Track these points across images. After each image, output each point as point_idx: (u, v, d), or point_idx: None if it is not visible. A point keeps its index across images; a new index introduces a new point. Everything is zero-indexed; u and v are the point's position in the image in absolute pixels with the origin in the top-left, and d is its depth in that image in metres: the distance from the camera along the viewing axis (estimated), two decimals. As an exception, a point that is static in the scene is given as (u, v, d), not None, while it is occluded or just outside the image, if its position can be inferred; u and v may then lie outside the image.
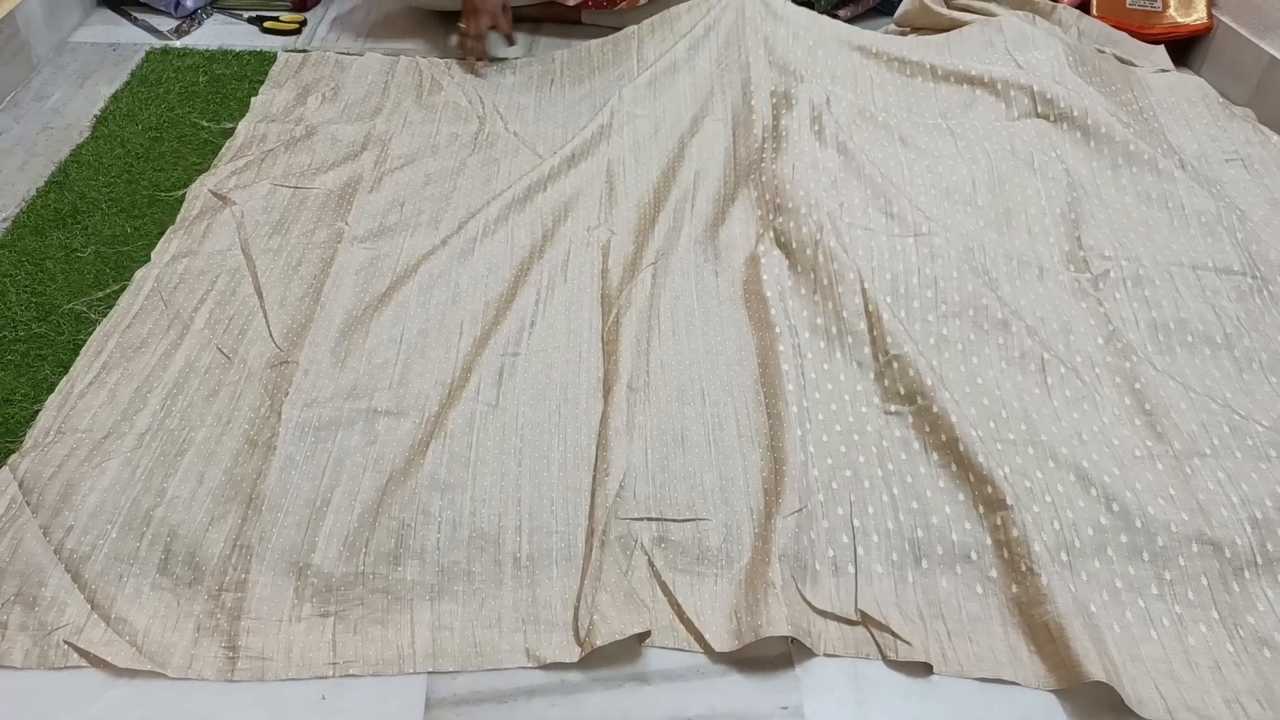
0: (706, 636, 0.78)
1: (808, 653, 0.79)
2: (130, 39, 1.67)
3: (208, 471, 0.87)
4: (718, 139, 1.34)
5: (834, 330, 1.03)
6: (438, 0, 1.76)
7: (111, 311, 1.06)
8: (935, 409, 0.93)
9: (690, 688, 0.76)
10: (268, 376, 0.98)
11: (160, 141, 1.37)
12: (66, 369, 0.99)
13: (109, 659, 0.74)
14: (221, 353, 1.00)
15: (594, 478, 0.88)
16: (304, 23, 1.77)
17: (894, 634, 0.79)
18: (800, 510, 0.85)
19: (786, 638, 0.77)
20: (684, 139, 1.35)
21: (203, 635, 0.77)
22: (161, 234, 1.18)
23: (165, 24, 1.73)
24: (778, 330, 1.02)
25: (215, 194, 1.25)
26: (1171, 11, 1.76)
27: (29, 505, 0.83)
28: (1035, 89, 1.38)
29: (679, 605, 0.80)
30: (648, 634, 0.78)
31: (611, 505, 0.84)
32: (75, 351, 1.01)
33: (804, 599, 0.80)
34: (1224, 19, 1.73)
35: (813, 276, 1.09)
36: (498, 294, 1.10)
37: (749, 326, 1.06)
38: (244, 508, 0.84)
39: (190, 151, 1.35)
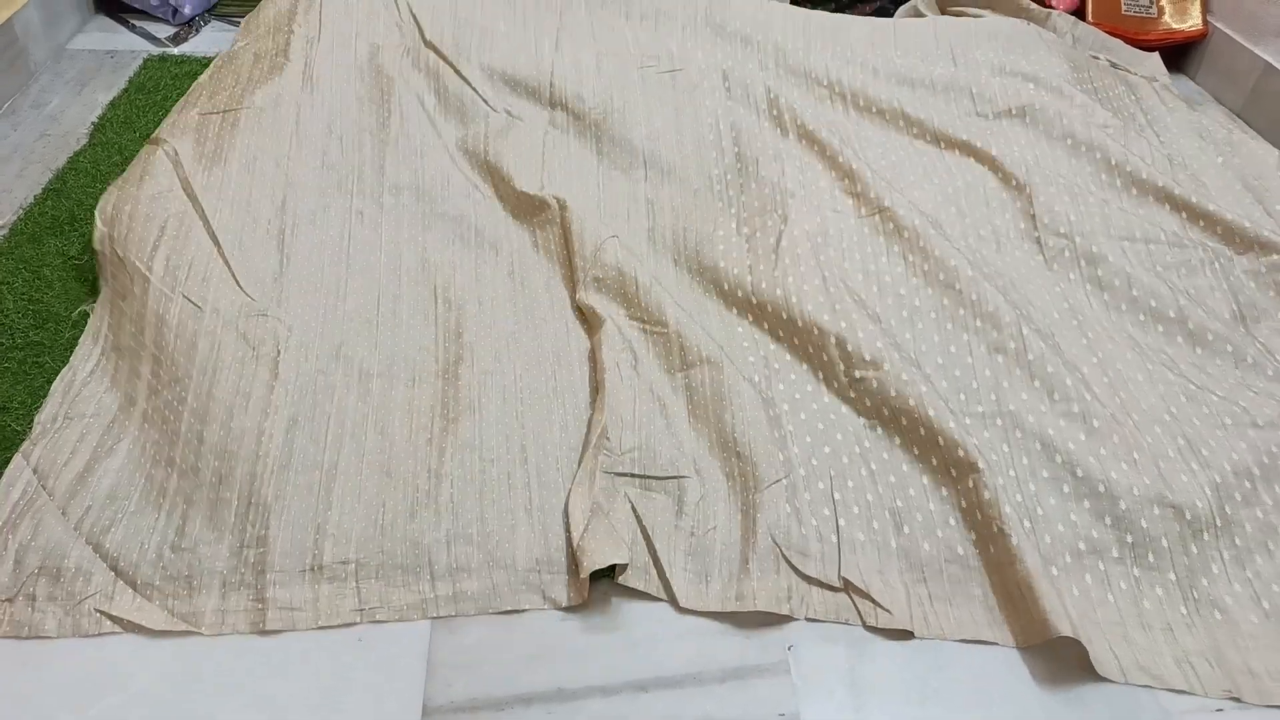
0: (675, 589, 0.81)
1: (805, 658, 0.79)
2: (128, 46, 1.67)
3: (205, 430, 0.89)
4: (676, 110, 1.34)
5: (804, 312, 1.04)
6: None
7: (101, 294, 1.08)
8: (905, 376, 0.96)
9: (687, 695, 0.76)
10: (246, 326, 0.98)
11: (158, 148, 1.37)
12: (45, 395, 0.99)
13: (143, 623, 0.77)
14: (189, 301, 0.99)
15: (588, 433, 0.93)
16: (302, 30, 1.77)
17: (874, 601, 0.82)
18: (780, 481, 0.88)
19: (779, 631, 0.78)
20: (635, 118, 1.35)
21: (229, 590, 0.79)
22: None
23: (163, 31, 1.74)
24: (747, 318, 1.06)
25: (146, 140, 1.24)
26: (1166, 18, 1.77)
27: (45, 489, 0.86)
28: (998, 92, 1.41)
29: (655, 551, 0.83)
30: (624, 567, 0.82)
31: (598, 449, 0.88)
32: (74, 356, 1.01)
33: (790, 565, 0.83)
34: (1219, 25, 1.74)
35: (781, 260, 1.10)
36: (470, 263, 1.12)
37: (714, 306, 1.09)
38: (252, 464, 0.86)
39: (188, 158, 1.35)
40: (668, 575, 0.82)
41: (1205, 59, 1.76)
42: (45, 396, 0.96)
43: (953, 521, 0.88)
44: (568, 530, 0.84)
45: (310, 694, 0.75)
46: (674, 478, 0.89)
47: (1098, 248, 1.15)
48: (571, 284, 1.11)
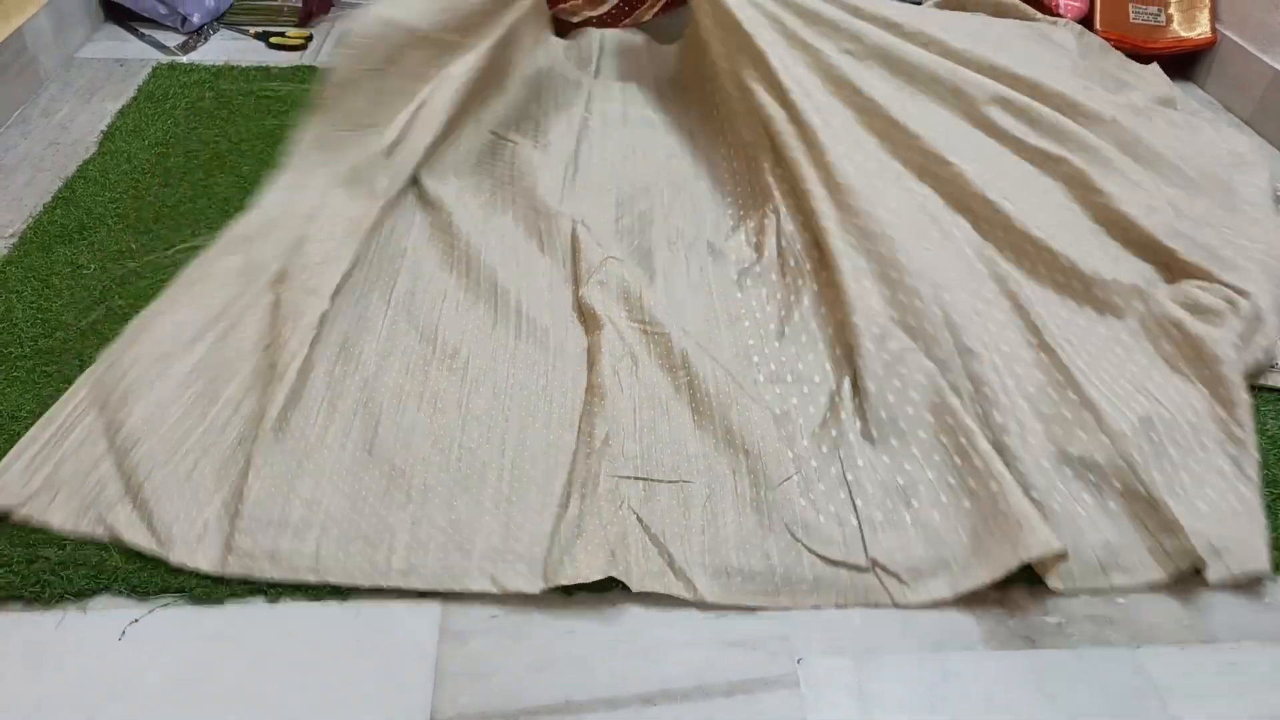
0: (697, 586, 0.83)
1: (813, 670, 0.78)
2: (137, 54, 1.68)
3: (244, 401, 0.96)
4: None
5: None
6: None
7: (205, 252, 1.16)
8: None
9: (695, 707, 0.76)
10: (281, 290, 1.07)
11: (167, 157, 1.37)
12: (71, 384, 0.99)
13: (125, 537, 0.83)
14: (275, 294, 1.08)
15: (577, 437, 0.95)
16: (310, 38, 1.78)
17: (900, 579, 0.85)
18: (791, 478, 0.91)
19: (787, 643, 0.78)
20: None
21: (208, 533, 0.84)
22: (168, 249, 1.19)
23: (172, 39, 1.75)
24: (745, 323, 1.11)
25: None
26: (1175, 25, 1.76)
27: (98, 404, 0.95)
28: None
29: (670, 555, 0.85)
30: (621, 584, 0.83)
31: (599, 457, 0.91)
32: (81, 368, 1.01)
33: (813, 553, 0.86)
34: (1228, 33, 1.73)
35: (780, 263, 1.17)
36: (489, 264, 1.16)
37: (713, 315, 1.12)
38: (254, 426, 0.93)
39: (196, 167, 1.36)
40: (688, 574, 0.84)
41: (1214, 67, 1.76)
42: (53, 405, 0.97)
43: (951, 481, 0.92)
44: (557, 524, 0.86)
45: (317, 705, 0.75)
46: (678, 481, 0.91)
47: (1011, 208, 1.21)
48: (575, 282, 1.14)
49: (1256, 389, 1.08)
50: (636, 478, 0.90)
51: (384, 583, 0.82)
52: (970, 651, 0.81)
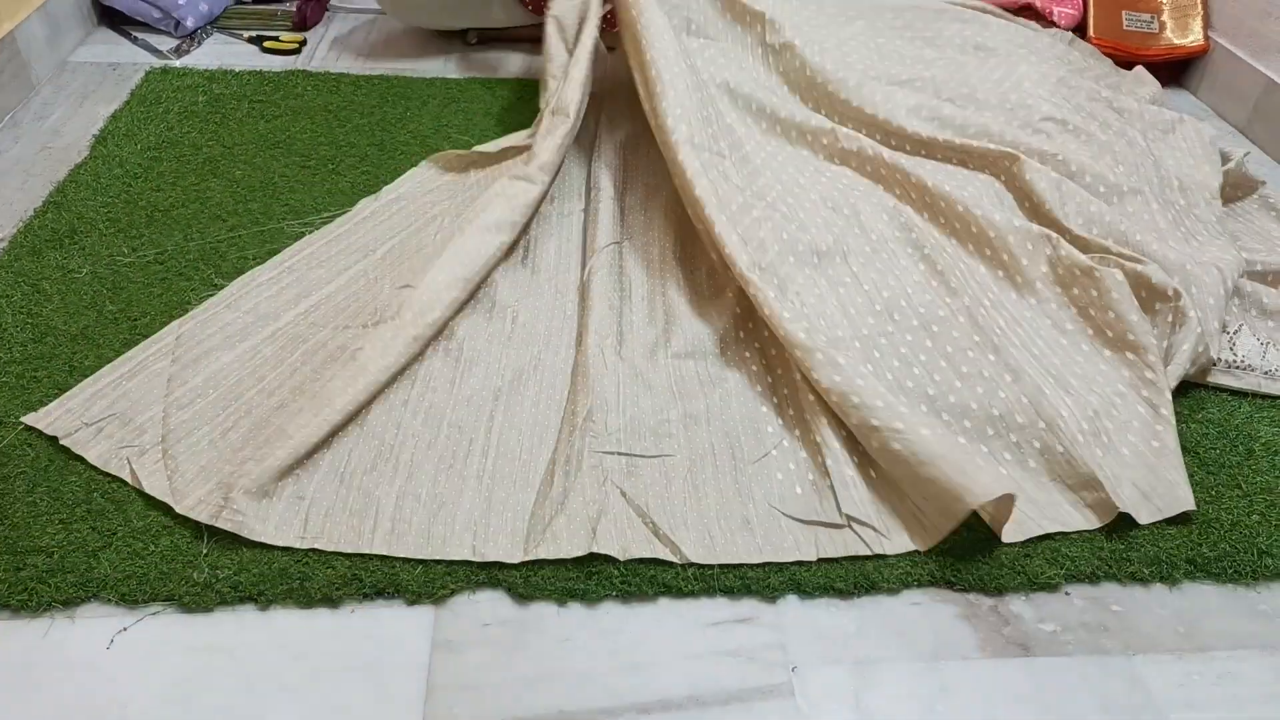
0: (682, 548, 0.86)
1: (809, 680, 0.78)
2: (130, 59, 1.68)
3: (301, 369, 1.01)
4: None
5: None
6: (439, 19, 1.77)
7: (325, 227, 1.23)
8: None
9: (690, 717, 0.75)
10: (381, 300, 1.11)
11: (159, 161, 1.37)
12: (61, 390, 0.98)
13: (143, 485, 0.88)
14: (371, 280, 1.14)
15: (563, 417, 0.98)
16: (304, 43, 1.78)
17: (876, 529, 0.89)
18: (769, 454, 0.95)
19: (783, 653, 0.77)
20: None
21: (216, 490, 0.87)
22: (160, 255, 1.18)
23: (165, 44, 1.74)
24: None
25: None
26: (1168, 33, 1.77)
27: (172, 354, 1.02)
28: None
29: (654, 524, 0.88)
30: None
31: (581, 433, 0.94)
32: (71, 374, 1.00)
33: (792, 519, 0.90)
34: (1220, 41, 1.74)
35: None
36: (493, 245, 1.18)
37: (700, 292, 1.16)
38: (296, 397, 0.97)
39: (189, 171, 1.35)
40: (672, 539, 0.87)
41: (1207, 75, 1.76)
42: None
43: (899, 426, 0.91)
44: (540, 499, 0.89)
45: (308, 716, 0.74)
46: (660, 456, 0.94)
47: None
48: (581, 267, 1.19)
49: (1207, 387, 1.11)
50: (619, 453, 0.93)
51: (366, 549, 0.85)
52: (966, 660, 0.81)
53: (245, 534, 0.85)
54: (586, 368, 1.01)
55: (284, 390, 0.99)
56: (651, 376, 1.02)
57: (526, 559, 0.84)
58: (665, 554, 0.86)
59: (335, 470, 0.91)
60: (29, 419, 0.94)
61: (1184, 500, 0.93)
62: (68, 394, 0.97)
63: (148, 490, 0.88)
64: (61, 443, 0.92)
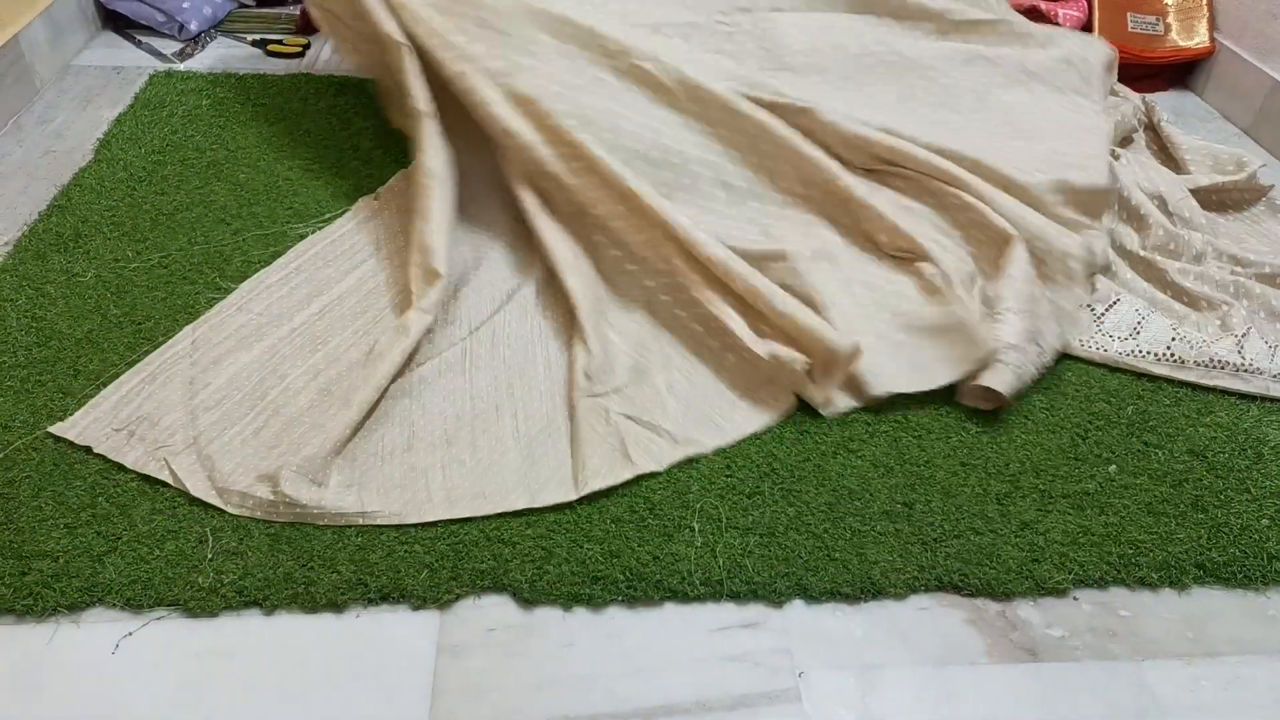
0: (704, 441, 0.98)
1: (815, 686, 0.78)
2: (134, 62, 1.68)
3: (325, 371, 1.03)
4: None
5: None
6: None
7: (326, 228, 1.24)
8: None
9: (696, 723, 0.75)
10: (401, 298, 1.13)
11: (163, 165, 1.37)
12: (66, 394, 0.98)
13: (186, 486, 0.89)
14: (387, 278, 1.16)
15: (567, 378, 1.04)
16: (308, 46, 1.78)
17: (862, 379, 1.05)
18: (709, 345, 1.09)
19: (789, 658, 0.77)
20: None
21: (259, 485, 0.89)
22: (164, 258, 1.18)
23: (169, 47, 1.74)
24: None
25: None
26: (1173, 35, 1.77)
27: (190, 358, 1.03)
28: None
29: (668, 432, 0.98)
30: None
31: (580, 390, 1.00)
32: (76, 378, 1.00)
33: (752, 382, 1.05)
34: (1226, 42, 1.74)
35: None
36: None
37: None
38: (324, 398, 1.00)
39: (193, 175, 1.35)
40: (689, 436, 0.98)
41: (1212, 77, 1.76)
42: (48, 417, 0.96)
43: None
44: (574, 450, 0.95)
45: (312, 721, 0.74)
46: (638, 380, 1.04)
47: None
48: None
49: (1216, 391, 1.09)
50: (608, 392, 1.01)
51: (430, 517, 0.88)
52: (973, 666, 0.81)
53: (310, 521, 0.87)
54: (582, 330, 1.07)
55: (311, 390, 1.00)
56: (610, 333, 1.09)
57: (581, 495, 0.90)
58: (692, 451, 0.96)
59: (374, 454, 0.94)
60: (56, 429, 0.94)
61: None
62: (91, 402, 0.97)
63: (191, 491, 0.89)
64: (96, 451, 0.92)
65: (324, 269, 1.17)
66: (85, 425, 0.95)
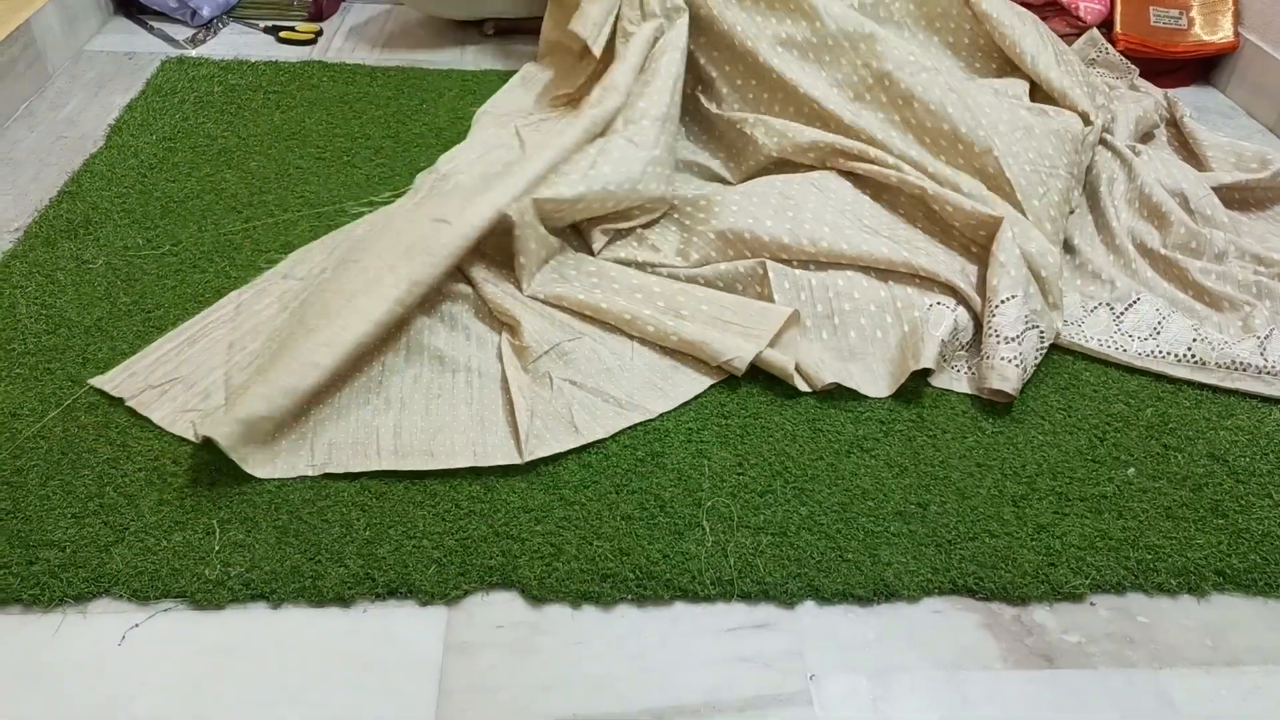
0: (649, 406, 1.00)
1: (827, 688, 0.77)
2: (146, 48, 1.67)
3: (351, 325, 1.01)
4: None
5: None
6: (455, 9, 1.75)
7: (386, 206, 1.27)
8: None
9: (706, 724, 0.74)
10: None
11: (174, 152, 1.36)
12: (75, 382, 0.98)
13: (217, 437, 0.88)
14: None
15: (499, 357, 1.06)
16: (320, 33, 1.77)
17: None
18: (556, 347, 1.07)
19: (800, 660, 0.76)
20: None
21: (281, 434, 0.93)
22: (174, 246, 1.17)
23: (181, 33, 1.73)
24: None
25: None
26: (1197, 29, 1.74)
27: (232, 322, 1.06)
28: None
29: (613, 398, 1.00)
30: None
31: (518, 353, 1.04)
32: (84, 366, 1.00)
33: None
34: (1250, 37, 1.71)
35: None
36: None
37: None
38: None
39: (204, 162, 1.34)
40: (635, 402, 1.00)
41: (1236, 72, 1.73)
42: (56, 404, 0.95)
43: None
44: (511, 417, 0.97)
45: (318, 718, 0.73)
46: (576, 339, 1.06)
47: None
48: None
49: (1236, 394, 1.08)
50: (545, 352, 1.03)
51: (374, 467, 0.91)
52: (988, 671, 0.80)
53: (251, 469, 0.89)
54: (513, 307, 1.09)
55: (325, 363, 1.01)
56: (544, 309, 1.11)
57: (525, 460, 0.92)
58: (637, 417, 0.99)
59: (334, 408, 0.96)
60: (95, 381, 0.97)
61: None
62: (131, 359, 1.00)
63: (220, 444, 0.89)
64: (127, 404, 0.95)
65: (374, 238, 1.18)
66: (122, 380, 0.98)
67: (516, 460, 0.92)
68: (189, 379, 0.98)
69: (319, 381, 0.94)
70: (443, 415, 0.98)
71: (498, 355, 1.05)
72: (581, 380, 1.02)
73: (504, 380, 1.01)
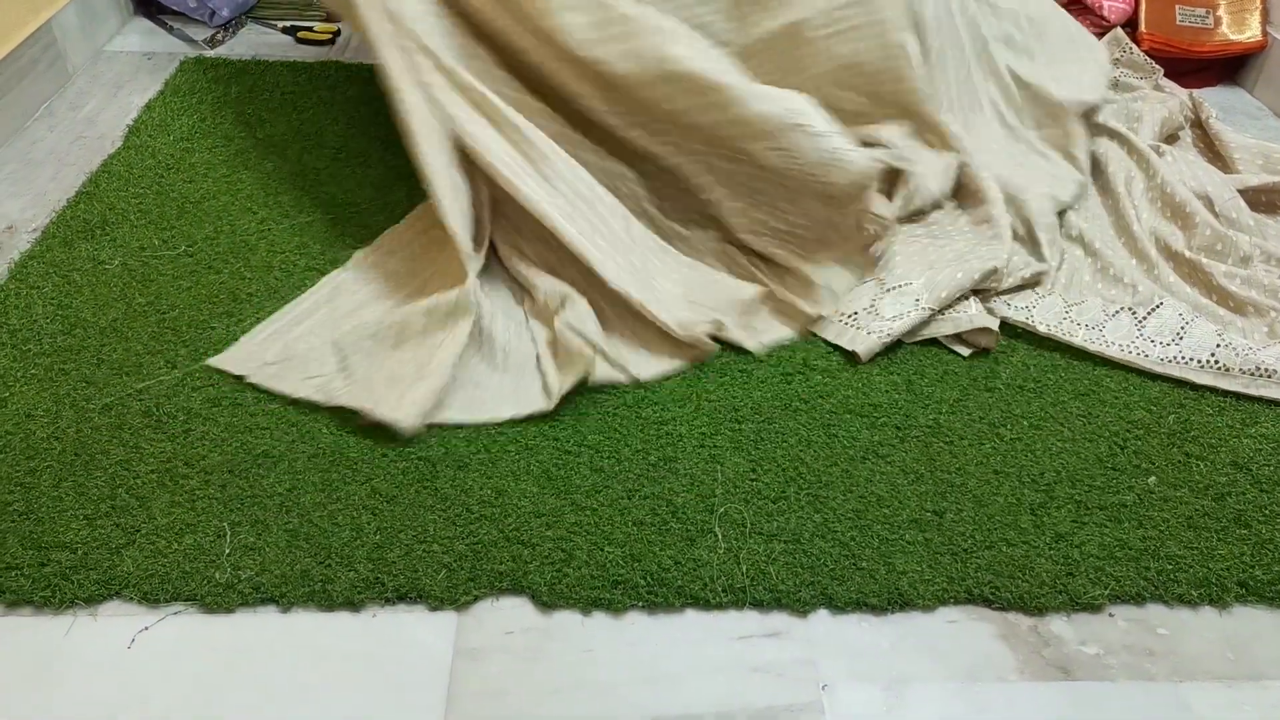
0: (631, 369, 1.05)
1: (839, 699, 0.76)
2: (166, 48, 1.68)
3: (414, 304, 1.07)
4: None
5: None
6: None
7: None
8: None
9: (716, 734, 0.73)
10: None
11: (191, 152, 1.36)
12: (90, 383, 0.98)
13: (342, 402, 0.97)
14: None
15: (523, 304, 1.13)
16: (338, 33, 1.77)
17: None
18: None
19: (813, 670, 0.75)
20: None
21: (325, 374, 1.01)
22: (190, 247, 1.18)
23: (200, 33, 1.74)
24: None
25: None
26: (1224, 28, 1.71)
27: (331, 303, 1.10)
28: None
29: (603, 351, 1.05)
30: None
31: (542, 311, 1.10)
32: (99, 366, 1.00)
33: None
34: (1279, 36, 1.67)
35: None
36: None
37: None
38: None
39: (221, 162, 1.34)
40: (618, 361, 1.05)
41: (1264, 72, 1.70)
42: (71, 405, 0.96)
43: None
44: (539, 367, 1.03)
45: (327, 722, 0.73)
46: (564, 297, 1.09)
47: None
48: None
49: (1261, 401, 1.04)
50: (558, 309, 1.07)
51: (440, 420, 0.98)
52: (1004, 682, 0.78)
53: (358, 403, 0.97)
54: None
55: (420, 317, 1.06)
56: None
57: (555, 403, 0.98)
58: (618, 375, 1.04)
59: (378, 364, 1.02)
60: (213, 361, 1.02)
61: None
62: (241, 340, 1.05)
63: (348, 405, 0.96)
64: (248, 380, 1.00)
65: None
66: (239, 359, 1.02)
67: (551, 407, 0.98)
68: (298, 357, 1.02)
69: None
70: (480, 372, 1.03)
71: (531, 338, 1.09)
72: (579, 326, 1.05)
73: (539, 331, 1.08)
